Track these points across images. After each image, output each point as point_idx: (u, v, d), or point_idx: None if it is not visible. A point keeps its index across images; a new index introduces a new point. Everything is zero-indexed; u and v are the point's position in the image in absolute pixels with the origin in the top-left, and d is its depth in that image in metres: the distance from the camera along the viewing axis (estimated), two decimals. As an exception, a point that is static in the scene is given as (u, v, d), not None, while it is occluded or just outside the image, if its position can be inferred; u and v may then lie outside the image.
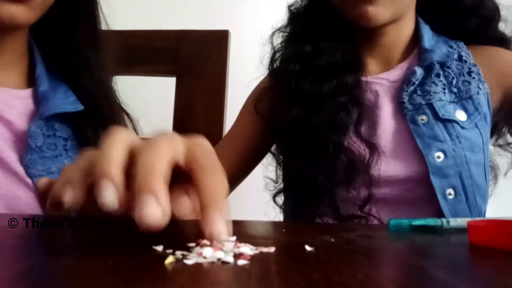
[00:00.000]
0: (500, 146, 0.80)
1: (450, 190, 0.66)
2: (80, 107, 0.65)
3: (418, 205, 0.68)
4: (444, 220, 0.46)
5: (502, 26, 0.79)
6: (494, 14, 0.77)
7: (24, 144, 0.61)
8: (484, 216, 0.70)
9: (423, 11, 0.77)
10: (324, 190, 0.67)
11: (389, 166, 0.67)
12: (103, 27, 0.71)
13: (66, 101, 0.65)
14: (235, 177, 0.79)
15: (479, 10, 0.77)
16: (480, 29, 0.77)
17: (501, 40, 0.78)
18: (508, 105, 0.73)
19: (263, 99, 0.78)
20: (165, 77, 0.96)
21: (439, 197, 0.65)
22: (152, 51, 0.93)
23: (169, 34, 0.94)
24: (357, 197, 0.67)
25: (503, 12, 0.77)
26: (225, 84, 0.92)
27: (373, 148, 0.68)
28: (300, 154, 0.69)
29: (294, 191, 0.75)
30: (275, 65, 0.80)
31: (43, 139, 0.62)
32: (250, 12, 1.39)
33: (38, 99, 0.65)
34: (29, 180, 0.60)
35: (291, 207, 0.78)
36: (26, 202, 0.59)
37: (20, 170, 0.60)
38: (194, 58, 0.93)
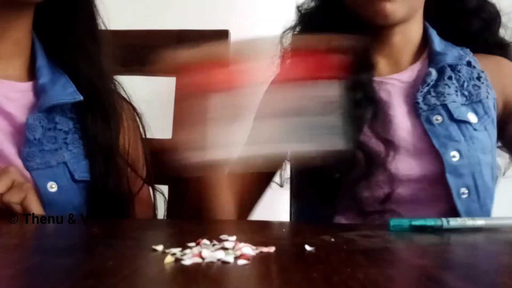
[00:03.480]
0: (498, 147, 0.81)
1: (464, 189, 0.66)
2: (79, 97, 0.65)
3: (431, 205, 0.68)
4: (444, 220, 0.46)
5: (502, 32, 0.79)
6: (495, 18, 0.78)
7: (23, 137, 0.61)
8: (490, 215, 0.70)
9: (425, 14, 0.77)
10: (343, 186, 0.67)
11: (404, 164, 0.68)
12: (100, 26, 0.71)
13: (64, 92, 0.65)
14: (262, 184, 0.79)
15: (481, 13, 0.77)
16: (481, 33, 0.78)
17: (501, 45, 0.78)
18: (503, 118, 0.74)
19: None
20: (165, 77, 0.96)
21: (454, 195, 0.66)
22: (152, 51, 0.93)
23: (169, 34, 0.94)
24: (376, 195, 0.68)
25: (503, 19, 0.78)
26: (225, 84, 0.92)
27: (389, 144, 0.68)
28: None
29: (309, 191, 0.75)
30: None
31: (42, 132, 0.62)
32: (250, 12, 1.39)
33: (38, 92, 0.65)
34: (27, 173, 0.60)
35: (303, 209, 0.78)
36: None
37: (19, 162, 0.60)
38: (194, 58, 0.93)
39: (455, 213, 0.66)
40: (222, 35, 0.94)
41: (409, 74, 0.74)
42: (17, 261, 0.32)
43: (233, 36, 0.95)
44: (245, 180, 0.77)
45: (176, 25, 0.95)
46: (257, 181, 0.77)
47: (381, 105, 0.71)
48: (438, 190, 0.67)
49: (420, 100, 0.70)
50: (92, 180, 0.64)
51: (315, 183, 0.70)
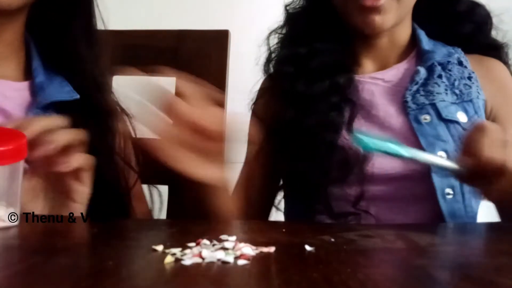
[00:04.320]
0: None
1: (449, 190, 0.66)
2: (76, 95, 0.66)
3: (414, 203, 0.68)
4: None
5: (494, 34, 0.79)
6: (487, 20, 0.78)
7: None
8: (476, 217, 0.70)
9: (417, 17, 0.77)
10: (321, 188, 0.68)
11: (387, 162, 0.68)
12: (100, 26, 0.71)
13: (62, 90, 0.66)
14: (271, 185, 0.78)
15: (472, 17, 0.77)
16: (473, 36, 0.78)
17: (493, 47, 0.79)
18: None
19: (259, 100, 0.79)
20: (165, 77, 0.96)
21: (439, 196, 0.66)
22: (152, 51, 0.93)
23: (169, 34, 0.94)
24: (351, 195, 0.68)
25: (494, 20, 0.78)
26: (225, 84, 0.92)
27: None
28: (294, 154, 0.70)
29: (291, 191, 0.75)
30: (270, 66, 0.80)
31: None
32: (250, 12, 1.39)
33: (35, 90, 0.66)
34: (26, 166, 0.60)
35: (290, 207, 0.78)
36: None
37: None
38: (194, 58, 0.93)
39: (438, 214, 0.66)
40: (222, 35, 0.94)
41: (393, 72, 0.74)
42: (17, 261, 0.32)
43: (233, 36, 0.95)
44: (255, 181, 0.76)
45: (176, 25, 0.95)
46: (265, 183, 0.77)
47: (361, 105, 0.71)
48: (422, 189, 0.67)
49: (409, 99, 0.70)
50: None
51: (293, 184, 0.71)
